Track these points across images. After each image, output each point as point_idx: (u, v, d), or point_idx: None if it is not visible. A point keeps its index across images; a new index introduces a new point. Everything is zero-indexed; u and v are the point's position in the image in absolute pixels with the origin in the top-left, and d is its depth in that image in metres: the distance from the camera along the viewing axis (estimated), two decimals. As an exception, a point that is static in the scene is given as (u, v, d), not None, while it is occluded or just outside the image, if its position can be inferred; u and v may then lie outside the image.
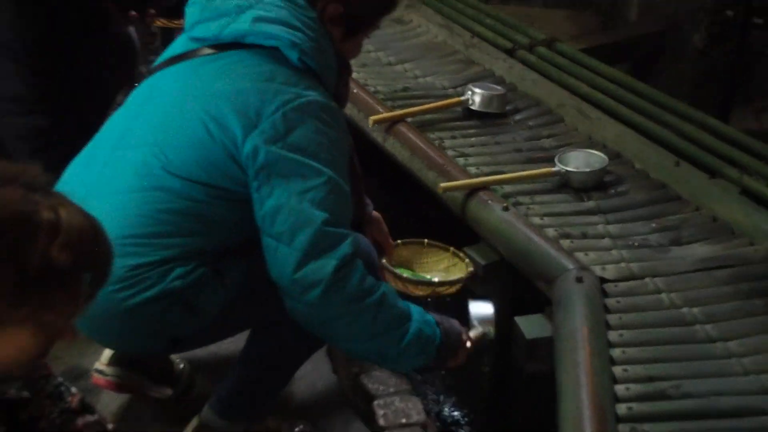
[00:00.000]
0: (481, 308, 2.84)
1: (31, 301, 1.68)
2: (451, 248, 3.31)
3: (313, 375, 3.21)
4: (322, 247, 2.40)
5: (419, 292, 3.06)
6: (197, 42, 2.61)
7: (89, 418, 2.14)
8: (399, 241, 3.25)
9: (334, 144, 2.49)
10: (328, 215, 2.41)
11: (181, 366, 3.14)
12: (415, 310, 2.57)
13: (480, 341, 2.79)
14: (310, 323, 2.49)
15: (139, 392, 3.08)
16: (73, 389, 2.17)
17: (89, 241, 1.77)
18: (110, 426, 2.19)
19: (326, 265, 2.38)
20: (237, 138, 2.42)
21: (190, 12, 2.64)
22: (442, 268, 3.29)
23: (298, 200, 2.40)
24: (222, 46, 2.55)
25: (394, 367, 2.65)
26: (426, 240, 3.32)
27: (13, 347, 1.72)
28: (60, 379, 2.13)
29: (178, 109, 2.52)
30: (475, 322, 2.81)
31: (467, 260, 3.21)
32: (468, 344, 2.72)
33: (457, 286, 3.18)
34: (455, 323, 2.70)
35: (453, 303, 3.26)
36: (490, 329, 2.83)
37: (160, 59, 2.72)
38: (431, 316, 2.61)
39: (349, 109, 3.77)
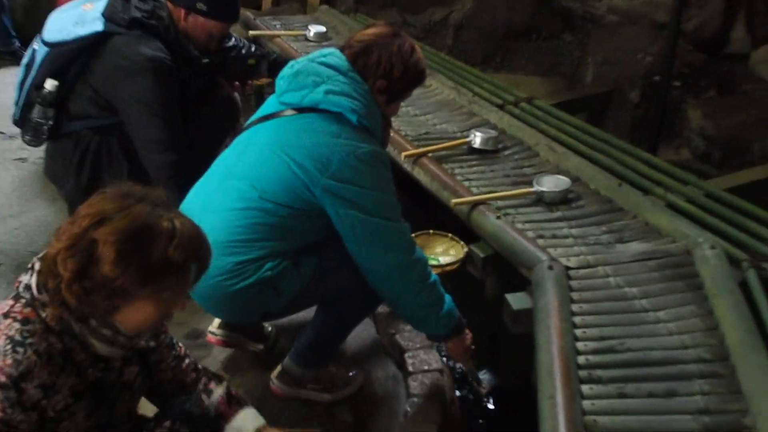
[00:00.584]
0: None
1: (153, 284, 1.74)
2: (449, 234, 3.36)
3: (362, 335, 3.21)
4: (394, 239, 2.50)
5: (433, 271, 3.07)
6: (284, 105, 2.63)
7: (189, 360, 2.18)
8: (413, 234, 3.28)
9: (382, 175, 2.53)
10: (389, 219, 2.49)
11: (269, 329, 3.15)
12: (448, 298, 2.63)
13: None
14: (388, 295, 2.61)
15: (240, 347, 3.10)
16: (179, 343, 2.21)
17: (196, 244, 1.81)
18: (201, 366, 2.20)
19: (401, 252, 2.51)
20: (313, 177, 2.45)
21: (280, 84, 2.66)
22: (441, 251, 3.32)
23: (367, 216, 2.45)
24: (302, 109, 2.57)
25: (422, 329, 2.67)
26: (431, 230, 3.35)
27: (140, 315, 1.79)
28: (171, 335, 2.17)
29: (270, 153, 2.54)
30: None
31: (462, 243, 3.26)
32: (468, 343, 2.79)
33: (458, 264, 3.23)
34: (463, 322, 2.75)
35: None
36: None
37: (256, 115, 2.73)
38: (456, 311, 2.67)
39: (388, 148, 3.79)
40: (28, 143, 3.63)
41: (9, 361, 1.67)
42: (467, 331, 2.76)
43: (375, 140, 2.60)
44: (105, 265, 1.68)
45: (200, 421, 2.01)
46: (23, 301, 1.77)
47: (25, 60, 3.62)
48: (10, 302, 1.79)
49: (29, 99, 3.55)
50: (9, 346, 1.68)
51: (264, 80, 4.11)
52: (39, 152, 4.10)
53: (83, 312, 1.75)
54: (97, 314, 1.77)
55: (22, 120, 3.61)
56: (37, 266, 1.80)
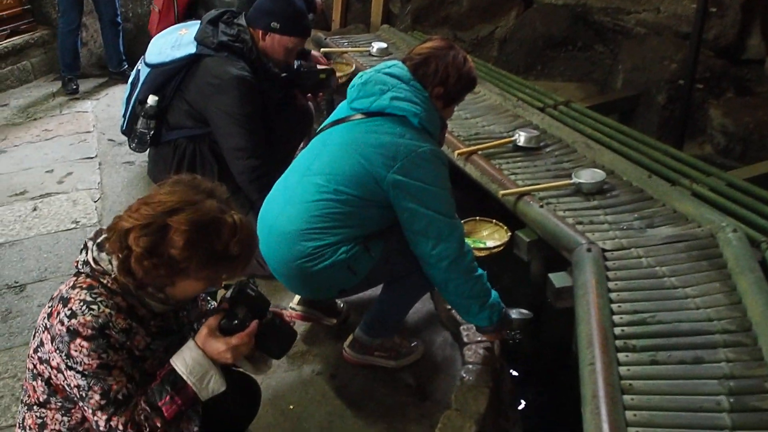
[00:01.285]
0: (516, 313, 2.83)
1: (211, 269, 1.80)
2: (494, 220, 3.33)
3: (422, 310, 3.21)
4: (447, 233, 2.49)
5: (480, 253, 3.05)
6: (354, 110, 2.64)
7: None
8: (462, 221, 3.26)
9: (441, 173, 2.53)
10: (444, 214, 2.48)
11: (341, 305, 3.17)
12: (495, 294, 2.63)
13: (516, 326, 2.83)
14: (438, 280, 2.58)
15: (316, 321, 3.12)
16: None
17: (251, 239, 1.86)
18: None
19: (451, 245, 2.49)
20: (381, 172, 2.47)
21: (350, 92, 2.68)
22: (487, 235, 3.29)
23: (425, 209, 2.46)
24: (370, 113, 2.59)
25: (470, 319, 2.67)
26: (477, 217, 3.32)
27: (189, 289, 1.85)
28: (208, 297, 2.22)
29: (343, 151, 2.56)
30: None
31: (505, 228, 3.22)
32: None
33: (502, 247, 3.19)
34: (510, 316, 2.75)
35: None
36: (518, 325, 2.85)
37: (329, 120, 2.75)
38: (502, 305, 2.67)
39: (444, 148, 3.78)
40: (134, 150, 3.72)
41: (88, 317, 1.74)
42: (510, 321, 2.75)
43: (434, 140, 2.61)
44: (174, 249, 1.74)
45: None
46: (84, 274, 1.84)
47: (131, 79, 3.71)
48: (73, 279, 1.85)
49: (134, 112, 3.63)
50: (84, 307, 1.75)
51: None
52: (143, 157, 4.19)
53: (144, 281, 1.80)
54: (155, 284, 1.83)
55: (128, 130, 3.69)
56: (90, 245, 1.86)
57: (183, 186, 1.82)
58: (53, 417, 1.89)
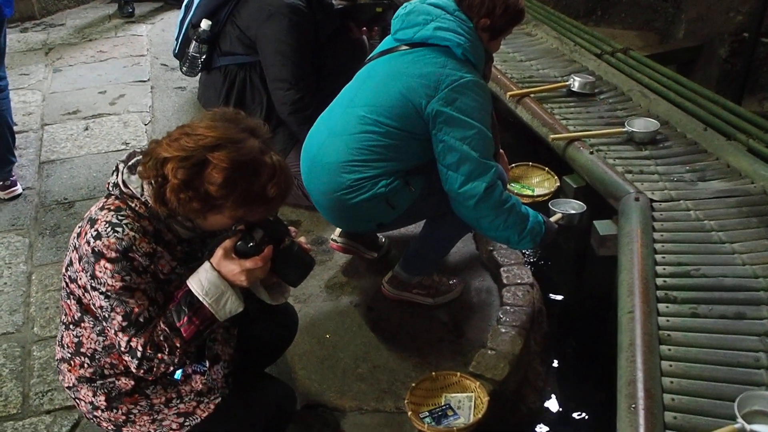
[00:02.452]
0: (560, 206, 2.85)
1: (246, 208, 1.79)
2: (546, 168, 3.31)
3: (463, 250, 3.21)
4: (477, 173, 2.43)
5: (525, 200, 3.03)
6: (398, 41, 2.62)
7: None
8: (513, 165, 3.23)
9: (483, 107, 2.49)
10: (480, 153, 2.43)
11: (383, 240, 3.19)
12: (532, 213, 2.57)
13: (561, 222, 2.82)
14: (467, 218, 2.53)
15: (357, 254, 3.15)
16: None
17: (288, 182, 1.83)
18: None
19: (480, 185, 2.43)
20: (422, 102, 2.44)
21: (394, 23, 2.65)
22: (537, 182, 3.26)
23: (460, 144, 2.42)
24: (413, 44, 2.56)
25: (513, 247, 2.65)
26: (530, 162, 3.29)
27: (220, 223, 1.84)
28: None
29: (386, 83, 2.55)
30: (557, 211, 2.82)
31: (555, 177, 3.19)
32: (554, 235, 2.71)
33: (548, 196, 3.17)
34: (552, 224, 2.69)
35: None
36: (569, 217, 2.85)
37: (375, 51, 2.74)
38: (541, 217, 2.60)
39: (495, 88, 3.74)
40: (185, 74, 3.73)
41: (112, 239, 1.74)
42: (555, 230, 2.69)
43: (478, 73, 2.56)
44: (211, 185, 1.72)
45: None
46: (113, 196, 1.85)
47: (185, 1, 3.71)
48: (103, 200, 1.86)
49: (187, 36, 3.64)
50: (109, 228, 1.76)
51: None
52: (194, 82, 4.22)
53: (177, 211, 1.80)
54: (186, 215, 1.82)
55: (180, 53, 3.71)
56: (121, 167, 1.86)
57: (225, 121, 1.80)
58: (89, 336, 1.94)
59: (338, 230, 3.11)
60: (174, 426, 2.02)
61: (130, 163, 1.87)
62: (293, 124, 3.38)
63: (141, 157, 1.85)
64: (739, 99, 4.40)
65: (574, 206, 2.92)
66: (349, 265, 3.16)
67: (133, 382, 1.96)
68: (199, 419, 2.02)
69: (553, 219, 2.80)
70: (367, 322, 2.83)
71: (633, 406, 1.86)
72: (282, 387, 2.24)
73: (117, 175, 1.86)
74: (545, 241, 2.62)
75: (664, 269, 2.39)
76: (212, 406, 2.03)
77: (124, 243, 1.75)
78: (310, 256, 1.98)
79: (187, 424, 2.02)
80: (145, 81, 4.98)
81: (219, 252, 1.83)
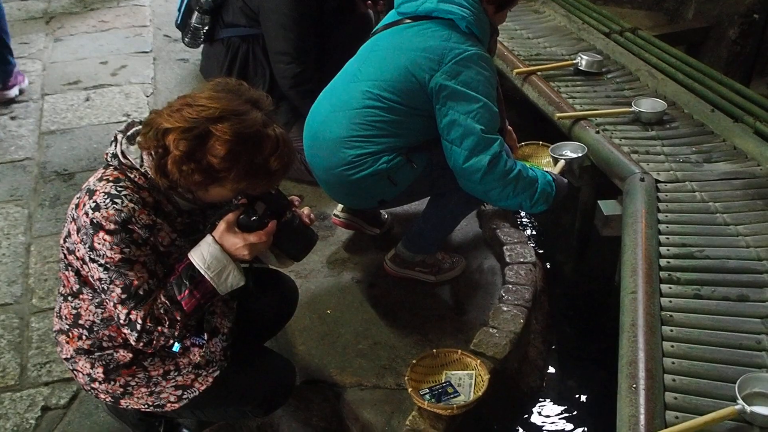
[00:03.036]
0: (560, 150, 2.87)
1: (248, 181, 1.79)
2: None
3: (467, 228, 3.22)
4: (481, 147, 2.42)
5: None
6: (401, 15, 2.61)
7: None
8: (523, 143, 3.22)
9: (487, 80, 2.48)
10: (484, 127, 2.42)
11: (386, 216, 3.20)
12: (540, 174, 2.57)
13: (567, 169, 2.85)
14: (475, 192, 2.53)
15: (359, 230, 3.16)
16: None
17: (291, 156, 1.83)
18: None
19: (483, 159, 2.41)
20: (426, 77, 2.44)
21: None
22: (546, 163, 3.25)
23: (464, 118, 2.41)
24: (417, 17, 2.55)
25: (529, 212, 2.63)
26: (540, 142, 3.27)
27: (220, 195, 1.84)
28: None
29: (390, 57, 2.54)
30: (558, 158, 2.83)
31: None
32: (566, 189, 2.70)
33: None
34: (562, 179, 2.69)
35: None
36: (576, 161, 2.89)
37: (379, 25, 2.73)
38: (549, 176, 2.60)
39: (501, 65, 3.74)
40: (187, 45, 3.72)
41: (111, 211, 1.74)
42: (566, 184, 2.69)
43: (483, 46, 2.55)
44: (214, 157, 1.72)
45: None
46: (111, 167, 1.83)
47: (189, -29, 3.69)
48: (101, 171, 1.85)
49: (189, 6, 3.62)
50: (108, 200, 1.75)
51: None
52: (197, 54, 4.20)
53: (177, 183, 1.79)
54: (187, 187, 1.82)
55: (183, 24, 3.70)
56: (119, 137, 1.85)
57: (228, 92, 1.79)
58: (87, 308, 1.94)
59: (340, 206, 3.11)
60: (172, 398, 2.04)
61: (128, 134, 1.86)
62: (294, 98, 3.37)
63: (140, 127, 1.84)
64: (747, 81, 4.38)
65: (573, 148, 2.91)
66: (351, 241, 3.16)
67: (131, 355, 1.97)
68: (197, 392, 2.04)
69: (557, 168, 2.82)
70: (368, 298, 2.85)
71: (634, 386, 1.88)
72: (281, 361, 2.25)
73: (115, 146, 1.85)
74: (558, 199, 2.62)
75: (668, 250, 2.40)
76: (210, 379, 2.05)
77: (123, 214, 1.74)
78: (312, 230, 1.98)
79: (185, 396, 2.04)
80: (147, 52, 4.96)
81: (222, 225, 1.83)
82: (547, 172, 2.63)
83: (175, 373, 2.02)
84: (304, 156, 2.81)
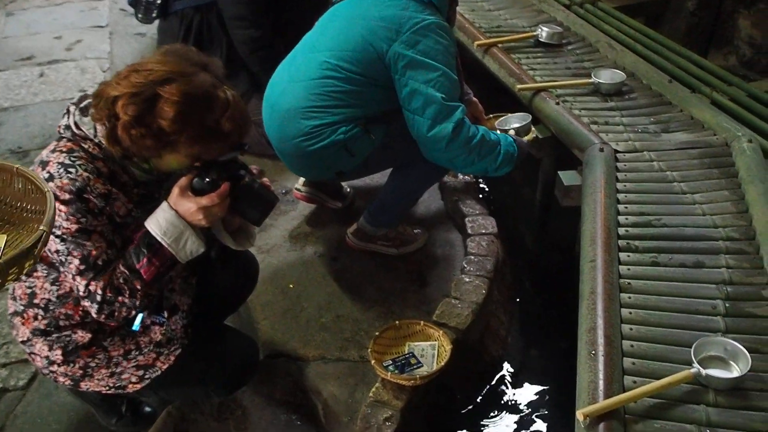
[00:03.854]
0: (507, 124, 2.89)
1: (201, 145, 1.78)
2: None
3: (429, 201, 3.24)
4: (443, 115, 2.43)
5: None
6: None
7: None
8: (491, 115, 3.23)
9: (446, 49, 2.50)
10: (445, 95, 2.44)
11: (348, 189, 3.20)
12: (502, 137, 2.61)
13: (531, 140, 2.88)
14: (440, 160, 2.56)
15: (321, 203, 3.16)
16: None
17: (243, 117, 1.82)
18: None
19: (447, 126, 2.44)
20: (384, 46, 2.44)
21: None
22: (512, 134, 3.26)
23: (425, 87, 2.43)
24: None
25: (494, 175, 2.64)
26: (508, 114, 3.23)
27: (175, 163, 1.83)
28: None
29: (348, 27, 2.54)
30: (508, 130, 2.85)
31: (535, 130, 3.19)
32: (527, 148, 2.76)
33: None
34: (522, 142, 2.74)
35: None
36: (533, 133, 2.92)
37: (338, -4, 2.72)
38: (510, 138, 2.64)
39: (462, 37, 3.74)
40: (141, 21, 3.68)
41: (65, 180, 1.72)
42: (526, 144, 2.76)
43: (441, 16, 2.56)
44: (163, 120, 1.71)
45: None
46: (64, 139, 1.82)
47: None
48: (54, 143, 1.83)
49: (139, -20, 3.58)
50: (62, 170, 1.74)
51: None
52: (155, 28, 4.13)
53: (130, 151, 1.78)
54: (142, 156, 1.81)
55: (134, 0, 3.64)
56: (72, 109, 1.84)
57: (175, 56, 1.78)
58: (42, 286, 1.92)
59: (302, 179, 3.11)
60: (133, 379, 2.03)
61: (81, 105, 1.85)
62: (255, 63, 3.35)
63: (92, 99, 1.82)
64: (704, 52, 4.45)
65: (518, 119, 2.94)
66: (313, 215, 3.17)
67: (90, 335, 1.96)
68: (159, 371, 2.03)
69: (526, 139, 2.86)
70: (330, 272, 2.86)
71: (593, 352, 1.91)
72: (244, 339, 2.26)
73: (68, 118, 1.83)
74: (521, 159, 2.66)
75: (627, 219, 2.43)
76: (172, 358, 2.04)
77: (78, 183, 1.73)
78: (272, 193, 1.95)
79: (147, 376, 2.03)
80: (103, 26, 4.89)
81: (175, 190, 1.81)
82: (506, 134, 2.67)
83: (136, 353, 2.01)
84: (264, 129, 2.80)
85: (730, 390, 1.80)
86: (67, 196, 1.72)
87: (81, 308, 1.92)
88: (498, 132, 2.64)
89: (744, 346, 1.85)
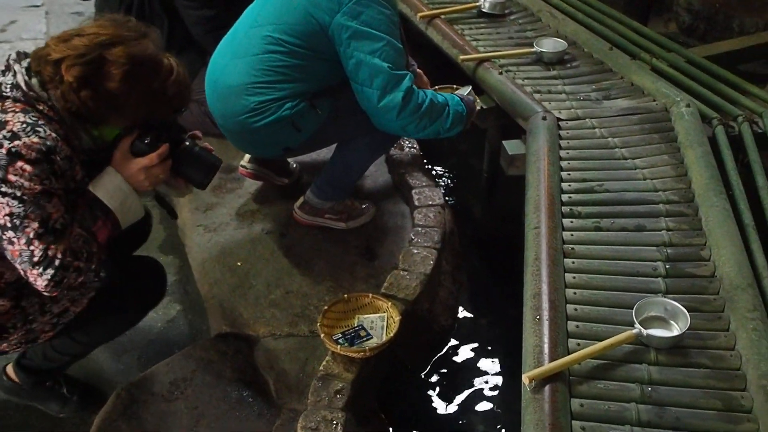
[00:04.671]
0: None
1: (146, 108, 1.84)
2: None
3: (376, 174, 3.24)
4: (392, 84, 2.44)
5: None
6: None
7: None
8: (437, 87, 3.22)
9: (389, 18, 2.49)
10: (391, 64, 2.44)
11: (294, 165, 3.19)
12: (449, 97, 2.63)
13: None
14: (392, 129, 2.57)
15: (268, 180, 3.14)
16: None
17: (186, 83, 1.89)
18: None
19: (397, 95, 2.45)
20: (326, 18, 2.43)
21: None
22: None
23: (370, 57, 2.42)
24: None
25: (448, 136, 2.64)
26: (454, 85, 3.23)
27: (121, 123, 1.87)
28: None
29: (289, 0, 2.50)
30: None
31: (477, 98, 3.20)
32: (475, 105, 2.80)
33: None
34: (468, 98, 2.75)
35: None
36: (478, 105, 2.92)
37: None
38: (457, 98, 2.66)
39: (405, 9, 3.73)
40: (79, -2, 3.60)
41: (35, 139, 1.69)
42: (473, 101, 2.78)
43: None
44: (111, 83, 1.74)
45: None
46: (11, 99, 1.77)
47: None
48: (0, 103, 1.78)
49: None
50: (28, 128, 1.70)
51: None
52: (92, 7, 4.05)
53: (80, 114, 1.78)
54: (91, 120, 1.82)
55: None
56: (16, 67, 1.79)
57: (117, 22, 1.81)
58: None
59: (247, 156, 3.08)
60: (46, 328, 2.00)
61: (25, 65, 1.80)
62: (211, 44, 3.28)
63: (32, 61, 1.79)
64: (645, 20, 4.50)
65: (462, 91, 2.95)
66: (259, 192, 3.15)
67: (10, 303, 1.91)
68: (72, 315, 2.02)
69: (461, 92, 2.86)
70: (279, 248, 2.85)
71: (538, 317, 1.94)
72: (147, 260, 2.30)
73: (13, 76, 1.78)
74: (471, 118, 2.70)
75: (570, 185, 2.46)
76: (85, 301, 2.02)
77: (48, 143, 1.70)
78: (214, 156, 2.01)
79: (60, 323, 2.01)
80: (38, 6, 4.78)
81: (116, 154, 1.86)
82: (453, 93, 2.70)
83: (51, 305, 1.97)
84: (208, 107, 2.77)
85: (670, 348, 1.85)
86: (34, 155, 1.68)
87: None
88: (444, 94, 2.63)
89: (683, 306, 1.90)
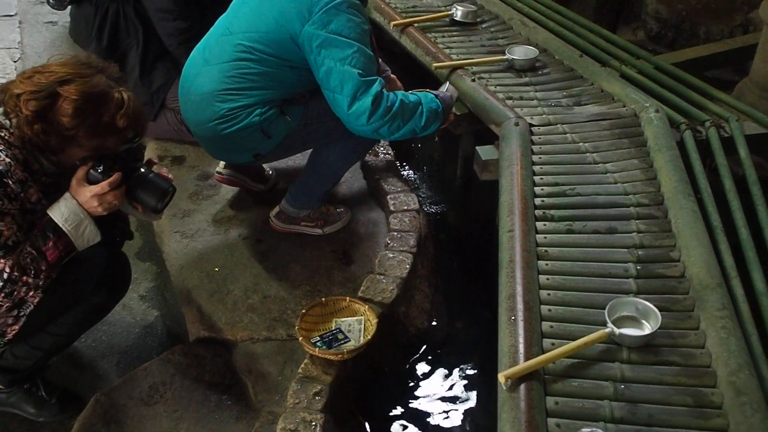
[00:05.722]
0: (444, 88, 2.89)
1: (98, 139, 1.95)
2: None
3: (351, 180, 3.25)
4: (362, 90, 2.45)
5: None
6: None
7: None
8: (410, 92, 3.23)
9: (359, 26, 2.51)
10: (361, 70, 2.45)
11: (270, 172, 3.19)
12: (422, 96, 2.64)
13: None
14: (365, 133, 2.56)
15: (244, 186, 3.14)
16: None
17: (137, 115, 1.98)
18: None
19: (366, 101, 2.45)
20: (296, 27, 2.45)
21: None
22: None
23: (340, 64, 2.44)
24: None
25: (425, 134, 2.64)
26: (427, 89, 3.24)
27: (79, 156, 1.97)
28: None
29: (261, 9, 2.54)
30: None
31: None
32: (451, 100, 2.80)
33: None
34: (446, 94, 2.76)
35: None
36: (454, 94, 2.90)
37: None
38: (431, 94, 2.67)
39: (378, 17, 3.77)
40: (53, 7, 3.59)
41: None
42: (450, 97, 2.78)
43: None
44: (63, 117, 1.85)
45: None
46: None
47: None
48: None
49: (51, -36, 3.48)
50: None
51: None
52: (66, 16, 4.04)
53: (38, 145, 1.89)
54: (48, 149, 1.92)
55: None
56: None
57: (76, 61, 1.92)
58: None
59: (223, 162, 3.08)
60: (9, 321, 2.04)
61: None
62: (183, 55, 3.28)
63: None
64: (614, 27, 4.57)
65: (442, 88, 2.97)
66: (236, 198, 3.15)
67: None
68: (31, 305, 2.04)
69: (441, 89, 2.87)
70: (256, 254, 2.85)
71: (513, 317, 1.96)
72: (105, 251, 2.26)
73: None
74: (447, 113, 2.71)
75: (542, 189, 2.49)
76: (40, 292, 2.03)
77: (1, 168, 1.81)
78: (167, 181, 2.08)
79: (21, 314, 2.04)
80: (12, 15, 4.73)
81: (73, 182, 1.95)
82: (427, 91, 2.70)
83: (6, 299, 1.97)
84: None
85: (642, 347, 1.88)
86: None
87: None
88: (417, 93, 2.65)
89: (654, 305, 1.93)
